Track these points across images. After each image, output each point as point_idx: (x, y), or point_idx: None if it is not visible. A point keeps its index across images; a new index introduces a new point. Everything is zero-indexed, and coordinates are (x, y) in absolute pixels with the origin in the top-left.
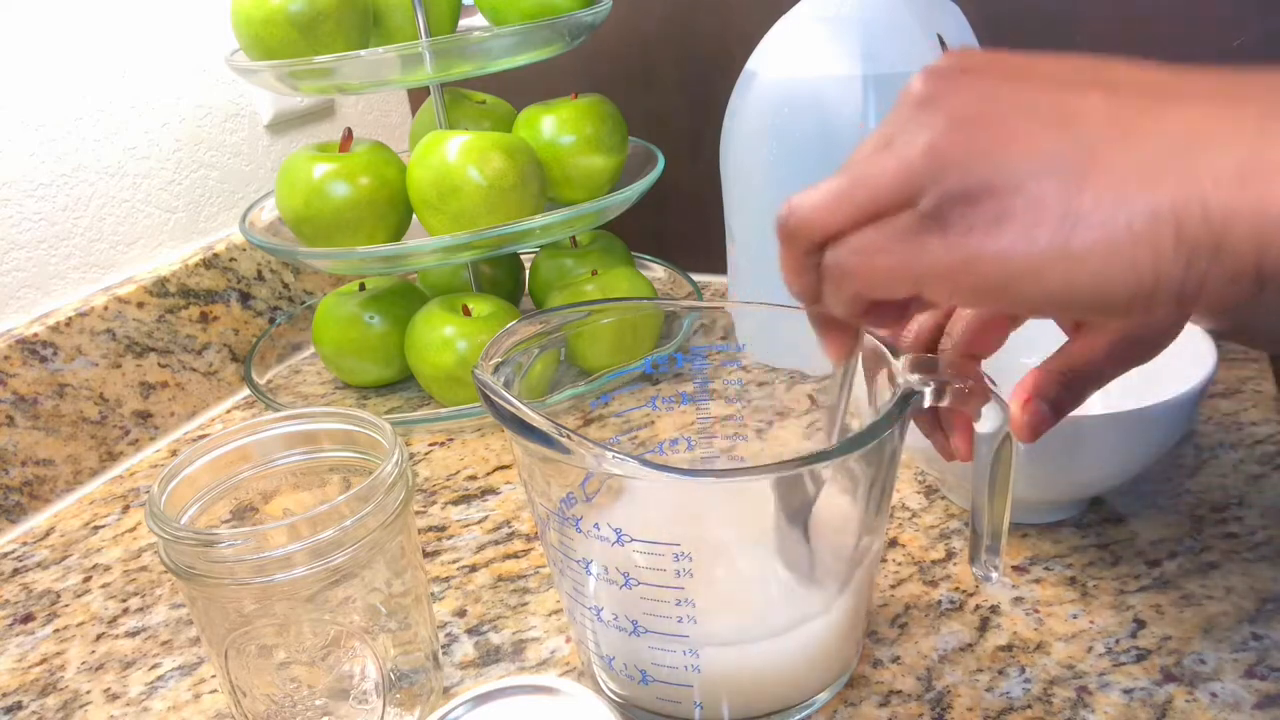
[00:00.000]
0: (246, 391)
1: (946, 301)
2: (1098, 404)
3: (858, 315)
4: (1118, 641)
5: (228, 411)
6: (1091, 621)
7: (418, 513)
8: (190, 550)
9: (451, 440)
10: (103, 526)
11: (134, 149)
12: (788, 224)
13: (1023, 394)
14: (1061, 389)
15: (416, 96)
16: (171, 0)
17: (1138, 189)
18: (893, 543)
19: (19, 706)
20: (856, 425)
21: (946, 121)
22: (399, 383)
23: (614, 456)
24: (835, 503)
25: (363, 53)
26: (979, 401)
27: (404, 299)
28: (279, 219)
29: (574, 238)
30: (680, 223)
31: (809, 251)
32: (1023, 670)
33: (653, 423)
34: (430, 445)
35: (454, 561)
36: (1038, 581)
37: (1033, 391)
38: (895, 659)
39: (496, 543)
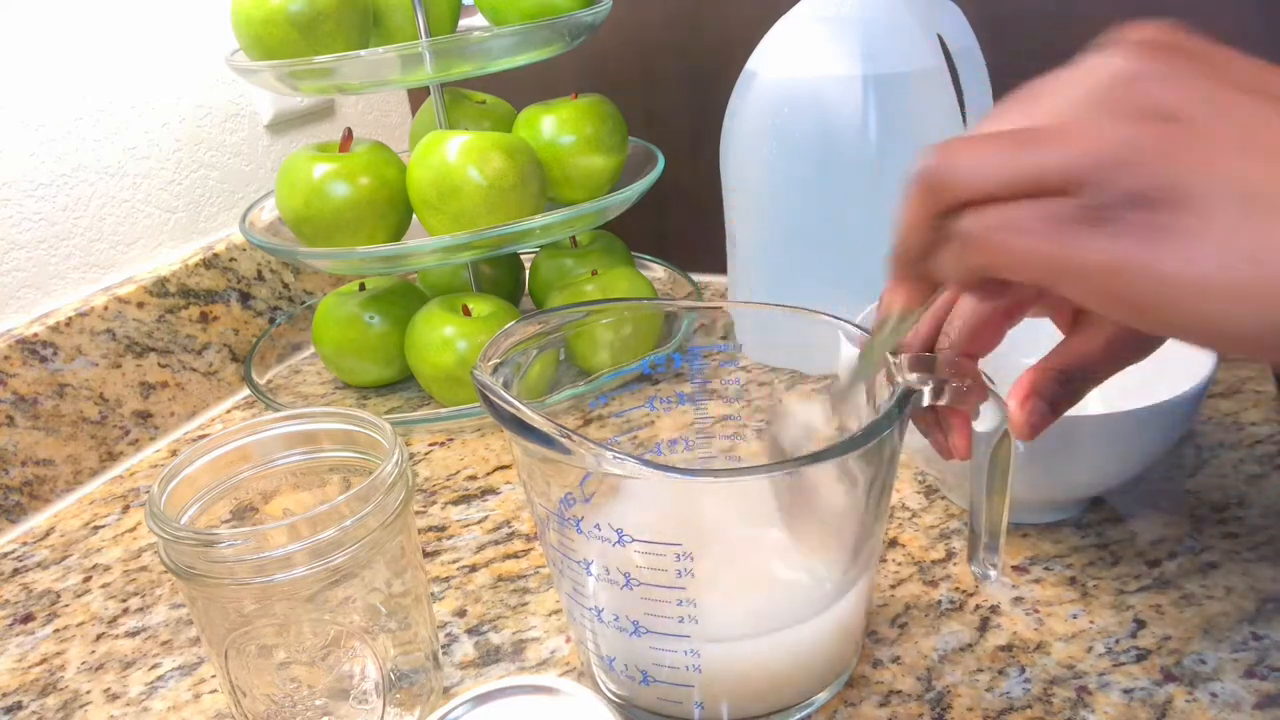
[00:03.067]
0: (246, 391)
1: (1077, 301)
2: (1097, 404)
3: (969, 286)
4: (1118, 641)
5: (228, 411)
6: (1091, 621)
7: (418, 513)
8: (190, 550)
9: (451, 440)
10: (103, 526)
11: (134, 149)
12: (933, 174)
13: (1021, 392)
14: (1059, 386)
15: (416, 96)
16: (171, 0)
17: None
18: (893, 543)
19: (19, 706)
20: (855, 426)
21: (1152, 112)
22: (399, 383)
23: (614, 456)
24: (834, 502)
25: (363, 53)
26: (977, 400)
27: (404, 299)
28: (279, 219)
29: (574, 238)
30: (680, 223)
31: (946, 210)
32: (1023, 670)
33: (652, 423)
34: (430, 445)
35: (454, 561)
36: (1038, 581)
37: (1031, 389)
38: (895, 659)
39: (496, 543)
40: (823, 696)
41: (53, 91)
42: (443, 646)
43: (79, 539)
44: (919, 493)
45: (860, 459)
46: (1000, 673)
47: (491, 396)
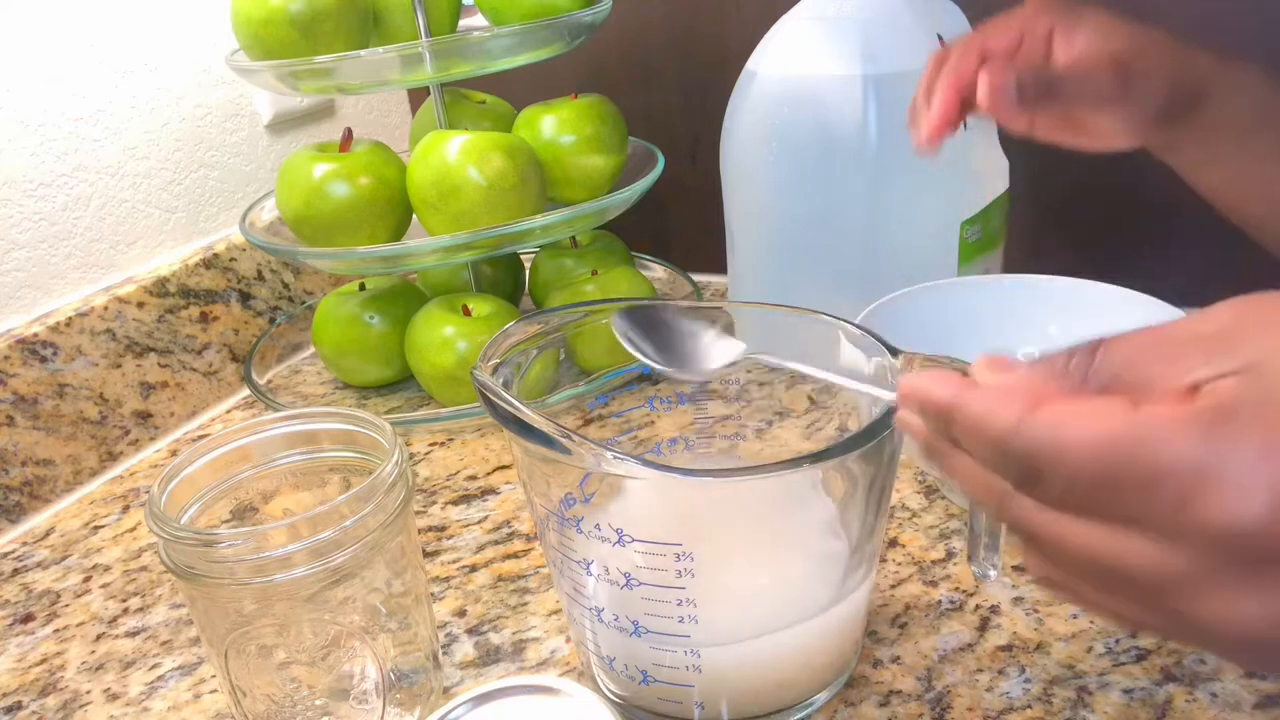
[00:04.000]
0: (246, 391)
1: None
2: None
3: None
4: (1118, 641)
5: (228, 411)
6: (1091, 621)
7: (418, 513)
8: (190, 550)
9: (451, 440)
10: (103, 526)
11: (134, 149)
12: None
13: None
14: (1036, 85)
15: (416, 96)
16: (171, 0)
17: None
18: (893, 543)
19: (19, 706)
20: (855, 426)
21: None
22: (399, 383)
23: (614, 456)
24: (834, 502)
25: (363, 53)
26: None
27: (404, 299)
28: (279, 219)
29: (574, 238)
30: (680, 223)
31: (1015, 482)
32: (1023, 670)
33: (652, 423)
34: (430, 445)
35: (454, 561)
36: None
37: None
38: (895, 659)
39: (496, 543)
40: (823, 696)
41: (53, 91)
42: (443, 646)
43: (79, 539)
44: (919, 493)
45: (860, 459)
46: (1000, 673)
47: (491, 396)
